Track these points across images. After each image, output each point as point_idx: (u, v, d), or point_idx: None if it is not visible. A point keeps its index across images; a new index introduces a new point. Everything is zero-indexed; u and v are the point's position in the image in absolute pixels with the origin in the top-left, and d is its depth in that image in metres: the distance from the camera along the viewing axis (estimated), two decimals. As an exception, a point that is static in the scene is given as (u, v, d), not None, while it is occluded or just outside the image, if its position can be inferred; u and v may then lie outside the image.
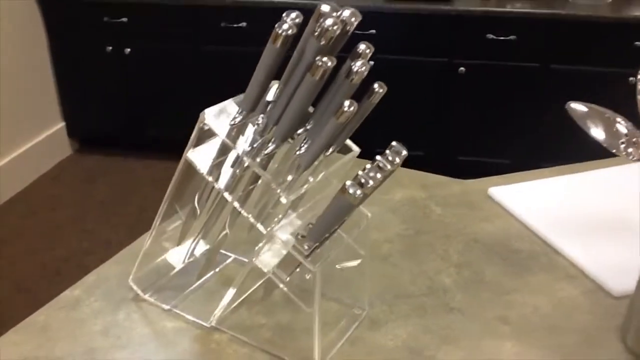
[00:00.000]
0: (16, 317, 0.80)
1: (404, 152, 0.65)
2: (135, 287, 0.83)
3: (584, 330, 0.77)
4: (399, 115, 2.63)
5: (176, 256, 0.87)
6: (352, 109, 0.58)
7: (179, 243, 0.82)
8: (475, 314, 0.80)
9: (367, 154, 0.76)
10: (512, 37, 2.62)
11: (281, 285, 0.68)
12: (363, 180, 0.59)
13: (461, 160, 2.91)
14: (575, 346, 0.75)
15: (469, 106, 2.82)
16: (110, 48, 3.02)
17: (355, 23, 0.61)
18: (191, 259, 0.85)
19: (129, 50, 3.01)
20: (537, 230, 0.96)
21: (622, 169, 1.11)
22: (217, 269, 0.87)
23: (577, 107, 0.66)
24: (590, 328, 0.77)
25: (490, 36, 2.63)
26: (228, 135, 0.64)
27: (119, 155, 3.27)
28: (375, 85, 0.63)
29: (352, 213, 0.69)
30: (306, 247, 0.64)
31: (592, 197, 1.05)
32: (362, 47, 0.62)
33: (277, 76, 0.67)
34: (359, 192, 0.58)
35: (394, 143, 0.65)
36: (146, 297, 0.82)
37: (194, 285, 0.84)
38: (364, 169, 0.60)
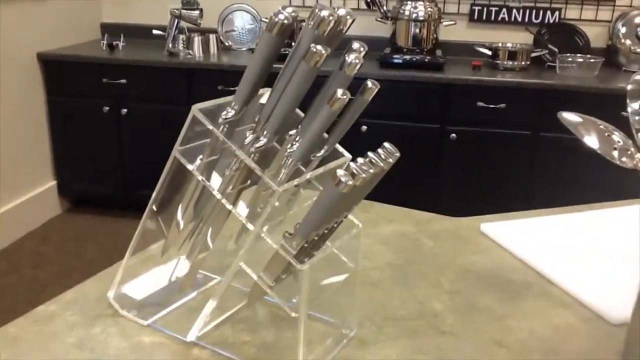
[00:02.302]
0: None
1: (397, 154, 0.64)
2: (114, 303, 0.79)
3: (584, 354, 0.74)
4: (390, 179, 2.63)
5: (159, 274, 0.84)
6: (345, 97, 0.57)
7: (162, 255, 0.79)
8: (469, 337, 0.76)
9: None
10: (502, 105, 2.68)
11: (267, 290, 0.65)
12: (355, 171, 0.58)
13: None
14: (574, 369, 0.71)
15: (459, 171, 2.84)
16: (108, 108, 3.07)
17: (349, 22, 0.62)
18: (174, 280, 0.83)
19: (125, 110, 3.06)
20: (530, 263, 0.94)
21: (610, 211, 1.13)
22: (202, 289, 0.84)
23: (570, 116, 0.66)
24: (590, 352, 0.74)
25: (481, 104, 2.69)
26: (219, 131, 0.64)
27: (110, 216, 3.23)
28: (369, 82, 0.63)
29: (342, 215, 0.68)
30: (294, 245, 0.62)
31: (583, 233, 1.04)
32: (356, 45, 0.62)
33: (269, 84, 0.67)
34: (350, 181, 0.57)
35: (386, 144, 0.65)
36: (124, 313, 0.78)
37: (176, 304, 0.81)
38: (355, 162, 0.59)
